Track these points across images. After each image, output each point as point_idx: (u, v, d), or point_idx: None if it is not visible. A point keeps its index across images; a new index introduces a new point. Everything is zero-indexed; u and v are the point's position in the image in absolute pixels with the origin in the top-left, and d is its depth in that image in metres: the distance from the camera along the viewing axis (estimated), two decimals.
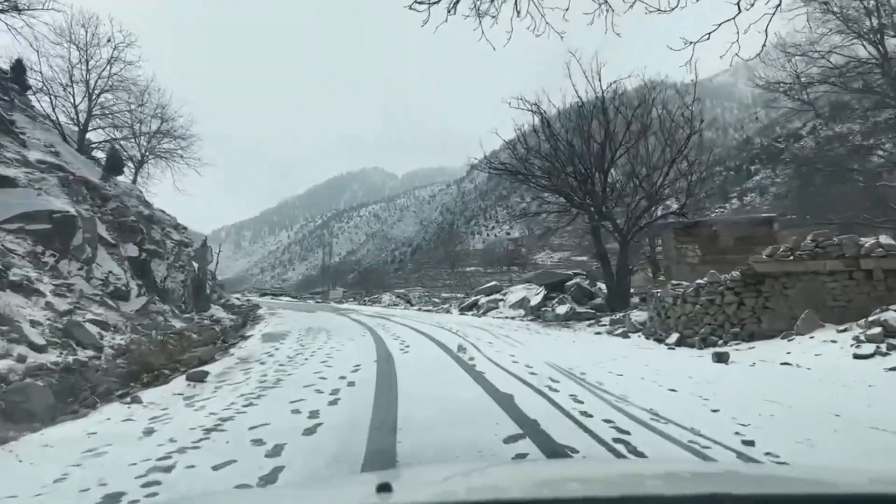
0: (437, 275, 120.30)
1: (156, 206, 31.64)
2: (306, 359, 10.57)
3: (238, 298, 38.75)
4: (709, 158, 23.56)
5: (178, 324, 15.81)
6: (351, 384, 7.76)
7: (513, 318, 22.43)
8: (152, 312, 15.56)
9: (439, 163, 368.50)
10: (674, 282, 14.23)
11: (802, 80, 21.62)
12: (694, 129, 21.22)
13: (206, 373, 8.40)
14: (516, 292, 25.63)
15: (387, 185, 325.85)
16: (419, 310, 31.52)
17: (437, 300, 40.19)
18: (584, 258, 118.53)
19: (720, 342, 11.55)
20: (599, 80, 21.78)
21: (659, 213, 23.42)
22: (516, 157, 24.22)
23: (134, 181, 35.41)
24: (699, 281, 12.50)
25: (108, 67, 30.35)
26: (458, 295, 51.76)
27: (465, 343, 12.53)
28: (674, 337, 12.37)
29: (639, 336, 14.12)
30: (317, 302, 55.46)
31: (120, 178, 29.42)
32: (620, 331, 15.00)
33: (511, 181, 25.62)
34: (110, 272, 15.63)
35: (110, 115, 31.79)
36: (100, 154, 32.43)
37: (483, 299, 27.14)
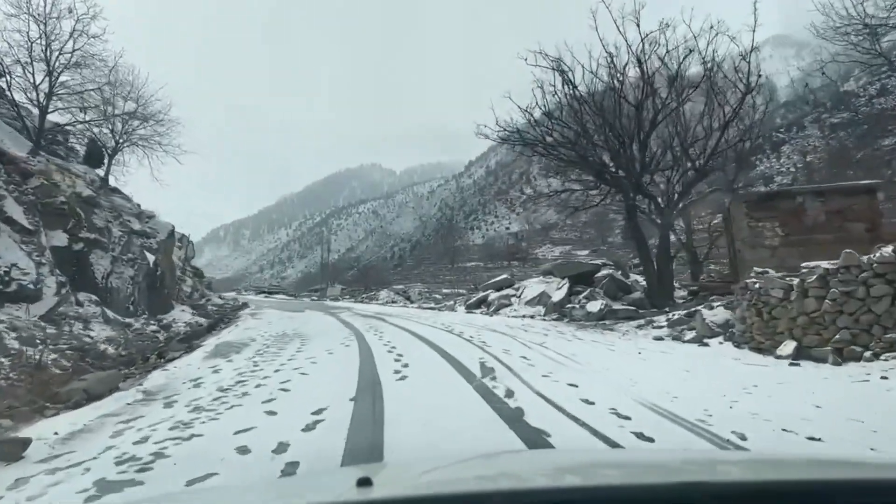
0: (436, 271, 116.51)
1: (126, 195, 27.83)
2: (246, 392, 6.59)
3: (221, 297, 34.70)
4: (763, 119, 19.53)
5: (104, 332, 11.93)
6: (287, 472, 3.82)
7: (531, 316, 18.48)
8: (68, 317, 11.67)
9: (437, 158, 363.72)
10: (757, 269, 10.26)
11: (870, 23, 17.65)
12: (750, 86, 17.19)
13: (29, 441, 4.44)
14: (532, 287, 21.65)
15: (385, 181, 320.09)
16: (420, 308, 27.65)
17: (438, 296, 36.24)
18: (586, 252, 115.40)
19: (868, 354, 7.64)
20: (638, 25, 17.57)
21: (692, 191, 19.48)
22: (534, 124, 20.07)
23: (107, 172, 31.58)
24: (824, 264, 8.52)
25: (71, 42, 26.46)
26: (461, 291, 47.93)
27: (488, 358, 8.59)
28: (789, 347, 8.40)
29: (721, 343, 10.15)
30: (312, 300, 51.50)
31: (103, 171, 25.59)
32: (690, 336, 11.03)
33: (528, 154, 21.38)
34: (14, 265, 11.69)
35: (76, 96, 27.81)
36: (76, 144, 28.66)
37: (493, 295, 23.16)
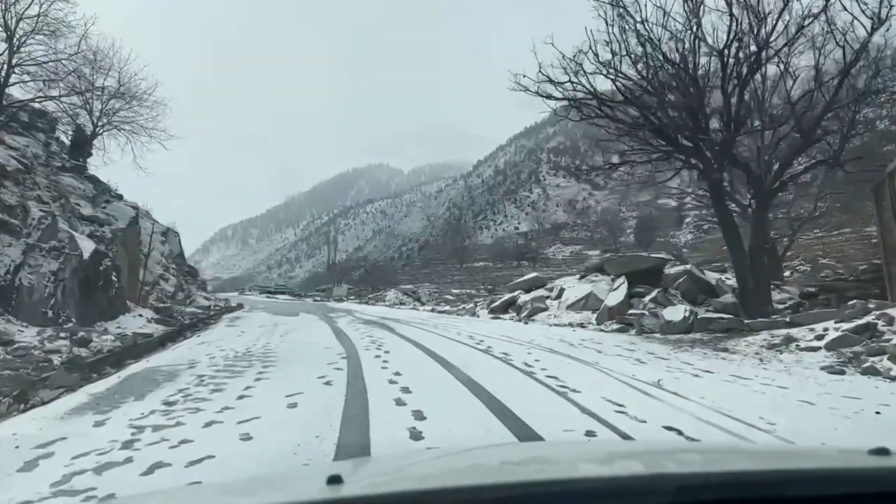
0: (445, 270, 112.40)
1: (105, 183, 23.66)
2: None
3: (209, 298, 30.35)
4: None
5: None
6: None
7: (582, 325, 14.00)
8: None
9: (445, 158, 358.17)
10: None
11: None
12: (882, 18, 12.55)
13: None
14: (574, 287, 17.17)
15: (393, 181, 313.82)
16: (433, 311, 23.28)
17: (450, 297, 31.88)
18: (597, 251, 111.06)
19: None
20: None
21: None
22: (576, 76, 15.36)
23: (84, 156, 27.50)
24: None
25: (36, 7, 22.33)
26: (471, 291, 43.62)
27: (597, 427, 4.17)
28: None
29: None
30: (315, 301, 47.25)
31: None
32: (884, 365, 6.60)
33: (577, 117, 16.53)
34: None
35: (40, 68, 23.60)
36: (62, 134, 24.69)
37: (523, 297, 18.69)
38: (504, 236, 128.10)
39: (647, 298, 13.65)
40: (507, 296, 20.14)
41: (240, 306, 28.21)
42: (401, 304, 29.19)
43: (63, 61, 23.36)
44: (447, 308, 23.62)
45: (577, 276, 19.80)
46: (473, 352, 9.19)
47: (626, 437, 3.99)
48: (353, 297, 46.20)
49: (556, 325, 14.52)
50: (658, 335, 11.51)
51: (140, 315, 16.13)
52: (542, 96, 14.29)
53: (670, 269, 14.99)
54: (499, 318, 17.99)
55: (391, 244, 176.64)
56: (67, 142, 30.50)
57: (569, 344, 10.13)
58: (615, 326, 13.08)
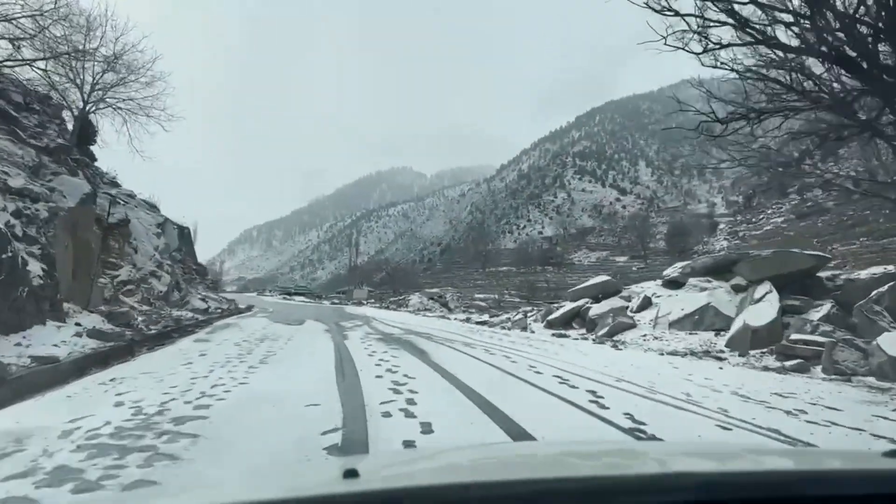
0: (467, 275, 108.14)
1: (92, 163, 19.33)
2: None
3: (207, 300, 25.83)
4: None
5: None
6: None
7: (708, 352, 9.04)
8: None
9: (468, 162, 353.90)
10: None
11: None
12: None
13: None
14: (675, 297, 12.19)
15: (415, 184, 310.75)
16: (467, 320, 18.49)
17: (480, 302, 27.11)
18: (625, 258, 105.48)
19: None
20: None
21: None
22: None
23: (73, 134, 23.43)
24: None
25: None
26: (498, 296, 38.82)
27: None
28: None
29: None
30: (332, 304, 42.81)
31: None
32: None
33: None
34: None
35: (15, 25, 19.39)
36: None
37: (595, 308, 13.76)
38: (527, 241, 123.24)
39: (814, 316, 8.70)
40: (569, 305, 15.21)
41: (247, 309, 23.84)
42: (426, 309, 24.56)
43: (39, 17, 19.00)
44: (485, 318, 18.74)
45: (659, 282, 14.83)
46: (602, 427, 4.34)
47: None
48: (373, 301, 41.61)
49: (668, 351, 9.55)
50: (872, 380, 6.59)
51: (77, 324, 11.49)
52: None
53: (831, 276, 9.99)
54: (563, 334, 13.09)
55: (413, 247, 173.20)
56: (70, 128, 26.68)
57: (764, 405, 5.21)
58: (775, 362, 8.12)
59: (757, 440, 3.82)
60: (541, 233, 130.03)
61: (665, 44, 9.70)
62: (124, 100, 21.66)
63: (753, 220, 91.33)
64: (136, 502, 1.53)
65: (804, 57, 9.38)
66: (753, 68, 10.00)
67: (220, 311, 19.03)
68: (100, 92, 21.74)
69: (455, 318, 19.86)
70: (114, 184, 29.02)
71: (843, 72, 8.94)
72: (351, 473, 1.07)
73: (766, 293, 9.78)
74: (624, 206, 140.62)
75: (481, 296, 41.55)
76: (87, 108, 20.67)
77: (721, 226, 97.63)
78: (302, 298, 54.45)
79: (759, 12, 9.55)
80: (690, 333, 10.44)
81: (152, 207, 27.51)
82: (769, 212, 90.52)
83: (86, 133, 26.32)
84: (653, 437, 4.09)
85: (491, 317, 19.59)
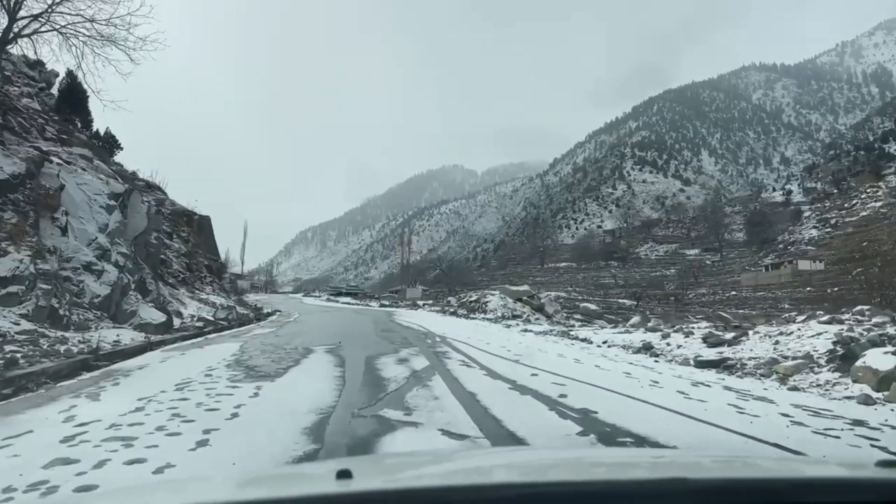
0: (524, 271, 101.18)
1: None
2: None
3: (214, 305, 19.60)
4: None
5: None
6: None
7: None
8: None
9: (520, 158, 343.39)
10: None
11: None
12: None
13: None
14: None
15: (466, 181, 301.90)
16: (659, 356, 11.12)
17: (591, 307, 19.94)
18: (695, 251, 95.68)
19: None
20: None
21: None
22: None
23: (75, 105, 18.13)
24: None
25: None
26: (558, 294, 31.34)
27: None
28: None
29: None
30: (382, 306, 36.36)
31: None
32: None
33: None
34: None
35: None
36: None
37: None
38: (587, 235, 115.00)
39: None
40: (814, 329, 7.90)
41: (249, 321, 17.03)
42: (515, 316, 17.61)
43: None
44: (649, 338, 10.91)
45: None
46: None
47: None
48: (430, 302, 34.86)
49: None
50: None
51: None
52: None
53: None
54: None
55: (466, 245, 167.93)
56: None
57: None
58: None
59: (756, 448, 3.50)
60: (599, 226, 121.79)
61: None
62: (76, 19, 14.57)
63: (846, 205, 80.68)
64: (131, 497, 1.38)
65: None
66: None
67: (189, 329, 12.31)
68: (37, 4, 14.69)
69: (597, 341, 11.95)
70: (106, 144, 23.31)
71: None
72: (344, 474, 1.02)
73: None
74: (688, 198, 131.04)
75: (555, 294, 34.35)
76: (14, 26, 13.84)
77: (806, 213, 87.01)
78: (347, 300, 48.30)
79: None
80: None
81: (150, 188, 21.57)
82: (863, 196, 79.86)
83: (73, 96, 20.86)
84: None
85: (627, 326, 12.44)
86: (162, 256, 16.67)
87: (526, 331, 14.62)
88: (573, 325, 17.01)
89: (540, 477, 1.26)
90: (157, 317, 11.60)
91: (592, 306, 20.75)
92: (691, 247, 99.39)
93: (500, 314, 18.40)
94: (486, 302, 20.74)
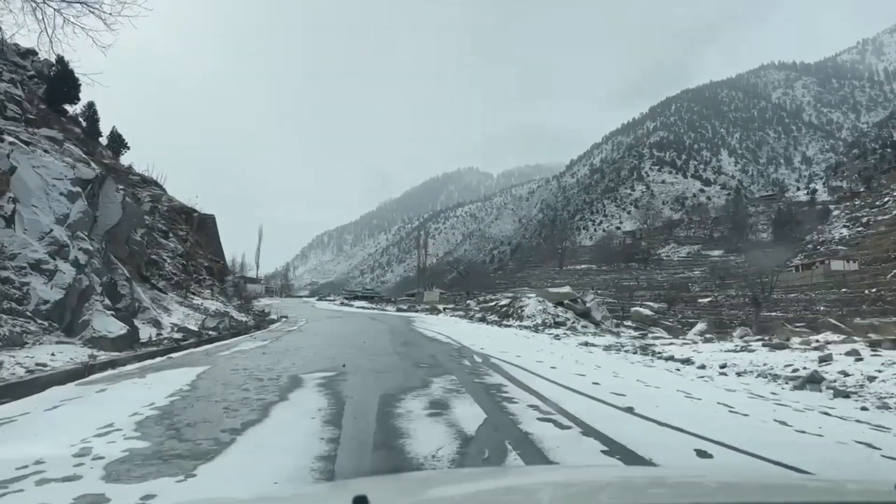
0: (543, 274, 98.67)
1: None
2: None
3: (207, 313, 17.26)
4: None
5: None
6: None
7: None
8: None
9: (536, 160, 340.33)
10: None
11: None
12: None
13: None
14: None
15: (482, 184, 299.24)
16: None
17: (645, 309, 17.17)
18: (719, 252, 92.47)
19: None
20: None
21: None
22: None
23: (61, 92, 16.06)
24: None
25: None
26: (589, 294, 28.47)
27: None
28: None
29: None
30: (399, 311, 34.03)
31: None
32: None
33: None
34: None
35: None
36: None
37: None
38: (606, 236, 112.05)
39: None
40: None
41: (258, 326, 15.02)
42: (556, 323, 14.98)
43: None
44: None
45: None
46: None
47: None
48: (450, 306, 32.39)
49: None
50: None
51: None
52: None
53: None
54: None
55: (482, 247, 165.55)
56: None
57: None
58: None
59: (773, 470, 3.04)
60: (618, 228, 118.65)
61: None
62: None
63: (877, 203, 76.94)
64: None
65: None
66: None
67: (167, 339, 10.00)
68: None
69: (704, 357, 8.88)
70: (89, 123, 21.15)
71: None
72: (361, 501, 0.97)
73: None
74: (709, 198, 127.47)
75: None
76: None
77: (835, 212, 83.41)
78: (362, 304, 45.94)
79: None
80: None
81: (146, 182, 19.36)
82: (895, 194, 76.09)
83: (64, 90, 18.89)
84: None
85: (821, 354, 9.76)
86: (154, 256, 14.46)
87: (587, 344, 12.05)
88: (642, 336, 14.29)
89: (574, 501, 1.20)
90: (116, 329, 9.20)
91: (646, 311, 17.97)
92: (714, 247, 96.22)
93: (539, 321, 15.76)
94: (522, 306, 18.06)
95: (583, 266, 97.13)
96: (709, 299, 55.75)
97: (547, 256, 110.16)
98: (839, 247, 69.68)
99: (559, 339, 13.78)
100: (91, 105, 25.02)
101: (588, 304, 17.27)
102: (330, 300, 54.97)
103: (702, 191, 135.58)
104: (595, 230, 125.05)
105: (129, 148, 25.63)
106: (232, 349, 9.96)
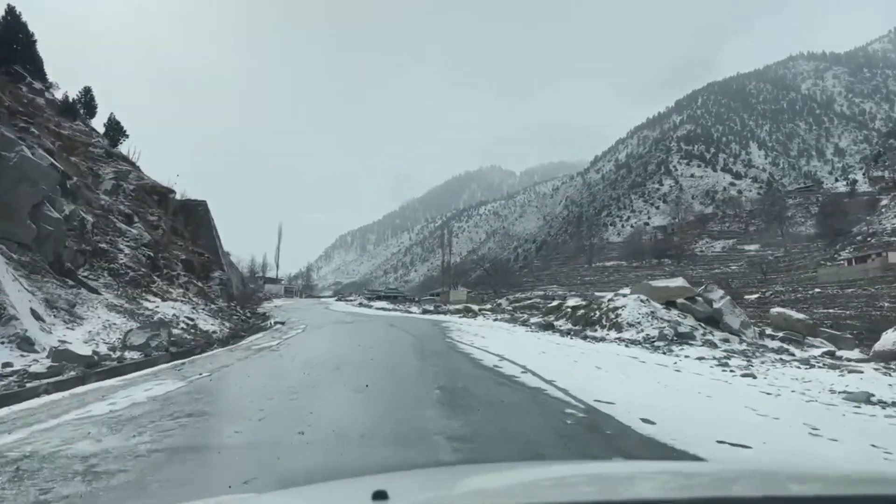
0: (571, 271, 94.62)
1: None
2: None
3: (158, 318, 13.40)
4: None
5: None
6: None
7: None
8: None
9: (559, 157, 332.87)
10: None
11: None
12: None
13: None
14: None
15: (505, 182, 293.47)
16: None
17: (796, 315, 12.84)
18: (755, 246, 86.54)
19: None
20: None
21: None
22: None
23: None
24: None
25: None
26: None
27: None
28: None
29: None
30: (425, 312, 30.21)
31: None
32: None
33: None
34: None
35: None
36: None
37: None
38: (635, 232, 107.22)
39: None
40: None
41: (234, 336, 11.11)
42: (678, 335, 10.23)
43: None
44: None
45: None
46: None
47: None
48: (486, 307, 28.21)
49: None
50: None
51: None
52: None
53: None
54: None
55: (506, 245, 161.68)
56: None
57: None
58: None
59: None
60: (647, 223, 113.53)
61: None
62: None
63: None
64: None
65: None
66: None
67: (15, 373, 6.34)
68: None
69: None
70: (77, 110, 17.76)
71: None
72: (380, 495, 0.96)
73: None
74: (739, 192, 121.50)
75: (604, 294, 27.08)
76: None
77: (884, 202, 77.41)
78: (383, 304, 41.83)
79: None
80: None
81: (109, 157, 15.73)
82: None
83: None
84: None
85: None
86: (103, 245, 10.79)
87: (835, 392, 6.40)
88: (832, 356, 9.12)
89: (596, 496, 1.13)
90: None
91: (798, 315, 13.35)
92: (750, 242, 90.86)
93: (648, 332, 10.57)
94: (618, 309, 12.83)
95: (612, 263, 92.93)
96: (756, 296, 50.92)
97: (573, 254, 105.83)
98: (893, 238, 64.26)
99: (726, 371, 8.05)
100: (88, 90, 22.69)
101: (717, 305, 12.18)
102: (349, 300, 51.12)
103: (732, 184, 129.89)
104: (623, 226, 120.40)
105: (127, 136, 23.11)
106: (70, 414, 4.69)
